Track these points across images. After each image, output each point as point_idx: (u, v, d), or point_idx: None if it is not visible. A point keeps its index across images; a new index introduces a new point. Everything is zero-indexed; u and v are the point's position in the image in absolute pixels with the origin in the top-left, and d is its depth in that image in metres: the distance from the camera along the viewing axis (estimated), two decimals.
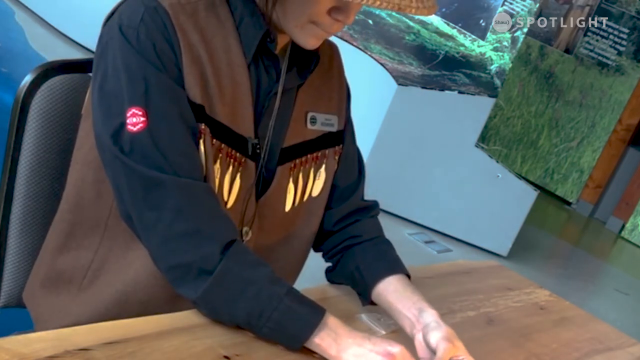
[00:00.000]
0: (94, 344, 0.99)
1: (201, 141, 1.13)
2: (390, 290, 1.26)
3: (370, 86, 4.23)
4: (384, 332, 1.26)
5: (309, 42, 1.17)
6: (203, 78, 1.14)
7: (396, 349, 1.07)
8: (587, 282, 4.42)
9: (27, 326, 1.30)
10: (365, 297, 1.30)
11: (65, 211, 1.25)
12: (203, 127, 1.14)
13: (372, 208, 1.40)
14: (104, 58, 1.13)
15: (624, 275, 4.79)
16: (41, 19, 5.15)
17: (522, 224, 4.13)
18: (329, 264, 1.40)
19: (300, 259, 1.37)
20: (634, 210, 5.38)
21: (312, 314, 1.09)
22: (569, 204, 5.74)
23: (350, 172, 1.38)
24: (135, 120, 1.09)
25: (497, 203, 4.11)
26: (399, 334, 1.24)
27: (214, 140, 1.16)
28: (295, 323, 1.08)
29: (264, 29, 1.17)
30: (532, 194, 4.13)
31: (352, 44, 4.30)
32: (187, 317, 1.13)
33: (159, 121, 1.10)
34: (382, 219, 1.40)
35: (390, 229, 1.83)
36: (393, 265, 1.31)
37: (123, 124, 1.10)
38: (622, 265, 5.07)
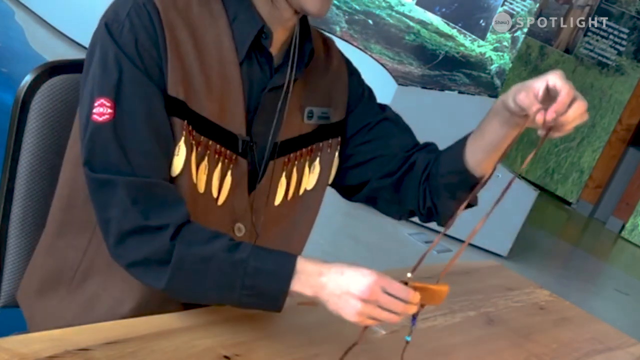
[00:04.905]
0: (94, 344, 0.99)
1: (182, 138, 1.13)
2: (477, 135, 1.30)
3: (370, 86, 4.23)
4: (384, 332, 1.26)
5: (316, 5, 1.15)
6: (188, 74, 1.13)
7: (369, 278, 1.04)
8: (587, 282, 4.42)
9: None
10: (467, 180, 1.35)
11: (57, 210, 1.25)
12: (185, 124, 1.13)
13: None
14: (90, 53, 1.14)
15: (624, 275, 4.79)
16: (41, 19, 5.15)
17: (522, 224, 4.12)
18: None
19: (299, 253, 1.37)
20: (634, 210, 5.38)
21: (281, 265, 1.06)
22: (569, 204, 5.74)
23: (402, 137, 1.46)
24: (102, 110, 1.09)
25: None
26: (400, 334, 1.24)
27: (202, 137, 1.15)
28: (269, 281, 1.05)
29: (259, 25, 1.17)
30: (532, 194, 4.12)
31: (352, 44, 4.30)
32: (187, 317, 1.13)
33: (125, 116, 1.09)
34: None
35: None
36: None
37: (90, 113, 1.10)
38: (622, 265, 5.07)
